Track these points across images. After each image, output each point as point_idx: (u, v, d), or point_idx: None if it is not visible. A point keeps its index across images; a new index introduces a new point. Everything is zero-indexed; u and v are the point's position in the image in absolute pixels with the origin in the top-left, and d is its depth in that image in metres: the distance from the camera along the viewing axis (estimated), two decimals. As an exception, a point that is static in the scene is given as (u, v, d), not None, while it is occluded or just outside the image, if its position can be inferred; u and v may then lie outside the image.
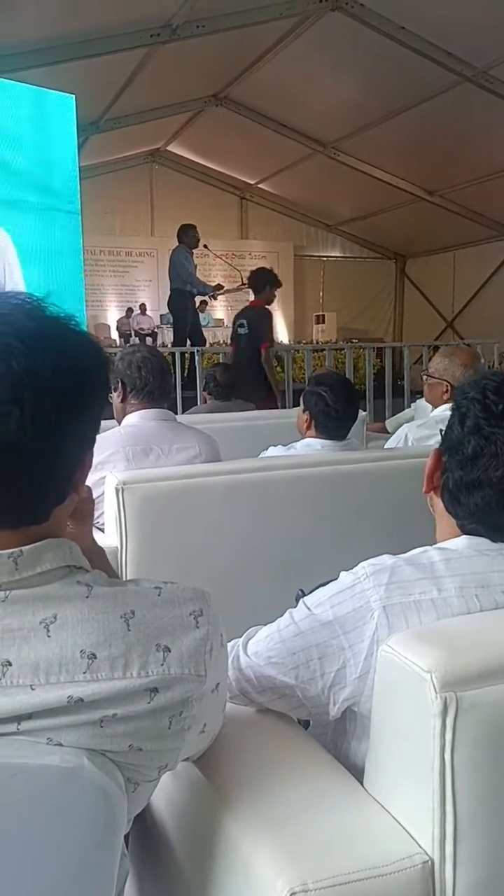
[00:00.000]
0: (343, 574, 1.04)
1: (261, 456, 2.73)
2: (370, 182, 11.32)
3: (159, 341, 11.31)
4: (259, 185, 13.39)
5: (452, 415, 1.06)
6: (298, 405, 2.53)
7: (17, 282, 5.19)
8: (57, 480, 0.79)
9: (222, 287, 8.61)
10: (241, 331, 5.58)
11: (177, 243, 7.67)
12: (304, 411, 2.42)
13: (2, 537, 0.77)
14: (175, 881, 1.01)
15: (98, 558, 1.02)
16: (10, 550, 0.75)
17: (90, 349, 0.82)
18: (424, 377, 3.04)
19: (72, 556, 0.80)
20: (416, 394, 6.64)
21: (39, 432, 0.73)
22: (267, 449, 2.75)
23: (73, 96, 5.65)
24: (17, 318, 0.76)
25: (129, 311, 12.54)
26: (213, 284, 8.38)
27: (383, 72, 8.12)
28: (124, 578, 1.92)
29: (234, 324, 5.83)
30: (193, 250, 7.69)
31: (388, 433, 4.07)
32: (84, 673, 0.74)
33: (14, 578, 0.75)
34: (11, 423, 0.72)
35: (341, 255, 14.91)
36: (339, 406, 2.35)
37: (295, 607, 1.09)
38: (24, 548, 0.76)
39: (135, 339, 11.65)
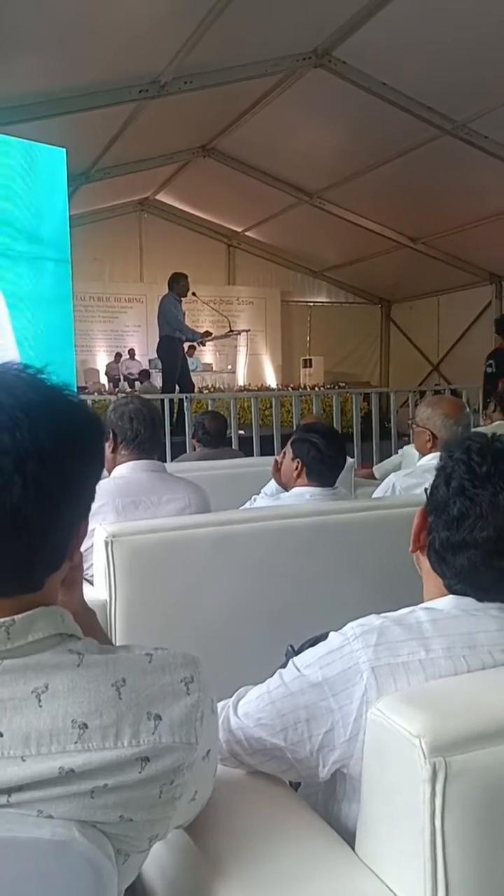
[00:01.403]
0: (332, 634, 1.04)
1: (248, 504, 2.74)
2: (355, 230, 11.54)
3: (150, 381, 11.37)
4: (246, 233, 13.63)
5: (438, 475, 1.08)
6: (282, 451, 2.57)
7: (4, 332, 5.23)
8: (53, 549, 0.80)
9: (210, 333, 8.72)
10: (489, 370, 6.13)
11: (166, 289, 7.78)
12: (293, 459, 2.44)
13: None
14: None
15: (88, 621, 1.02)
16: (3, 620, 0.76)
17: (88, 419, 0.83)
18: (412, 424, 3.08)
19: (63, 624, 0.80)
20: (404, 437, 6.70)
21: (41, 502, 0.75)
22: (253, 499, 2.77)
23: (64, 149, 5.78)
24: (20, 389, 0.78)
25: (118, 355, 12.64)
26: (202, 331, 8.48)
27: (366, 125, 8.35)
28: (114, 630, 1.92)
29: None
30: (182, 298, 7.80)
31: (376, 479, 4.09)
32: (75, 743, 0.74)
33: (6, 648, 0.75)
34: (14, 492, 0.73)
35: (328, 300, 15.12)
36: (331, 452, 2.40)
37: (284, 664, 1.09)
38: (16, 617, 0.76)
39: (124, 384, 11.71)
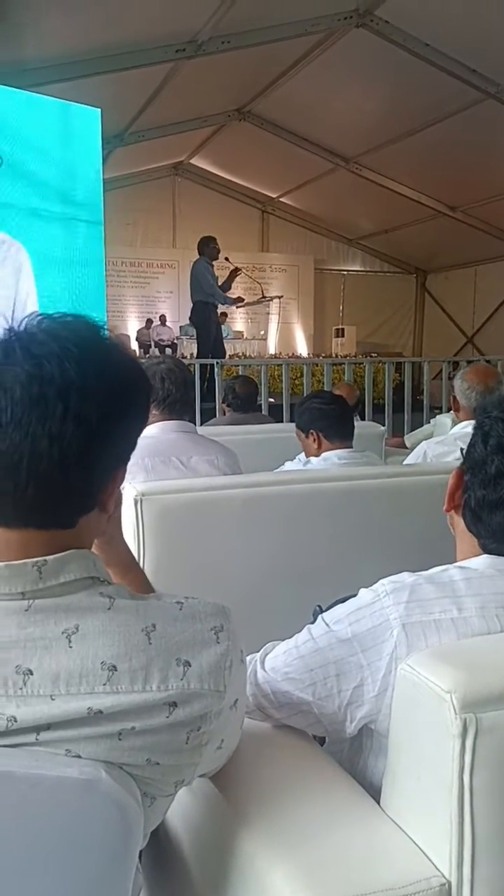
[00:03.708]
0: (362, 591, 1.03)
1: (283, 467, 2.74)
2: (392, 197, 11.34)
3: (178, 353, 11.36)
4: (281, 199, 13.46)
5: (475, 433, 1.06)
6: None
7: (29, 292, 5.23)
8: (88, 486, 0.81)
9: (243, 300, 8.64)
10: None
11: (198, 256, 7.72)
12: (307, 433, 2.46)
13: (27, 539, 0.78)
14: (188, 896, 1.01)
15: (136, 577, 1.05)
16: (35, 559, 0.76)
17: (137, 371, 0.85)
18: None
19: (95, 568, 0.80)
20: (436, 409, 6.62)
21: (79, 432, 0.76)
22: (283, 464, 2.76)
23: (99, 110, 5.71)
24: (76, 327, 0.80)
25: (149, 321, 12.61)
26: (235, 297, 8.41)
27: (406, 88, 8.15)
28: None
29: None
30: (214, 262, 7.73)
31: (407, 448, 4.06)
32: (104, 685, 0.74)
33: (37, 587, 0.76)
34: (55, 420, 0.74)
35: (362, 269, 14.93)
36: (332, 405, 2.47)
37: (312, 623, 1.08)
38: (48, 557, 0.77)
39: (154, 351, 11.71)
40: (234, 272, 8.05)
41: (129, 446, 0.85)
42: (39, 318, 0.81)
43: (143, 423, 0.87)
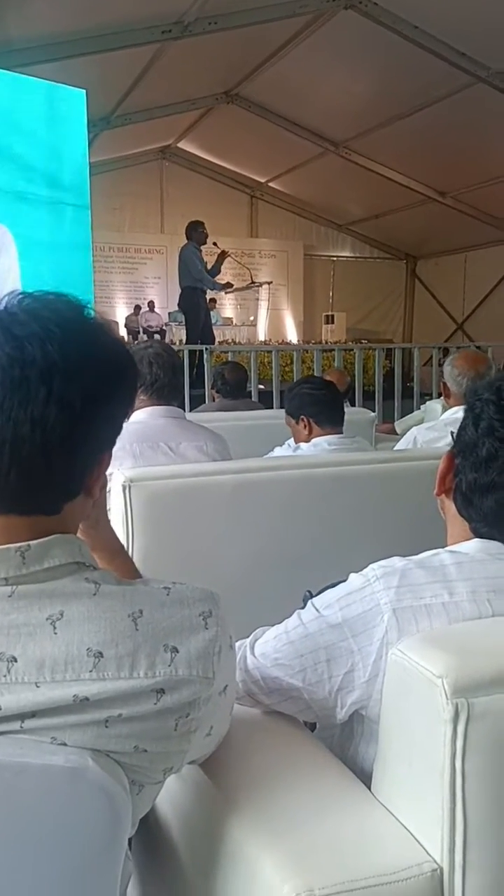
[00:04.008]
0: (353, 576, 1.02)
1: (272, 453, 2.73)
2: (381, 182, 11.29)
3: (167, 339, 11.31)
4: (269, 184, 13.38)
5: (466, 416, 1.05)
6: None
7: (14, 278, 5.17)
8: (72, 471, 0.79)
9: (232, 285, 8.59)
10: None
11: (186, 241, 7.66)
12: (296, 419, 2.45)
13: (10, 525, 0.76)
14: (178, 885, 1.00)
15: (123, 562, 1.04)
16: (18, 544, 0.75)
17: (123, 353, 0.83)
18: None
19: (80, 553, 0.79)
20: (426, 395, 6.62)
21: (62, 417, 0.74)
22: (272, 450, 2.75)
23: (85, 91, 5.64)
24: (61, 307, 0.78)
25: (138, 308, 12.54)
26: (224, 282, 8.36)
27: (396, 71, 8.10)
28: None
29: None
30: (202, 247, 7.68)
31: (398, 434, 4.05)
32: (90, 672, 0.73)
33: (21, 573, 0.74)
34: (37, 404, 0.73)
35: (351, 255, 14.88)
36: (323, 390, 2.46)
37: (302, 608, 1.07)
38: (32, 542, 0.75)
39: (143, 337, 11.65)
40: (223, 255, 7.99)
41: (114, 430, 0.84)
42: (20, 296, 0.79)
43: (130, 407, 0.85)
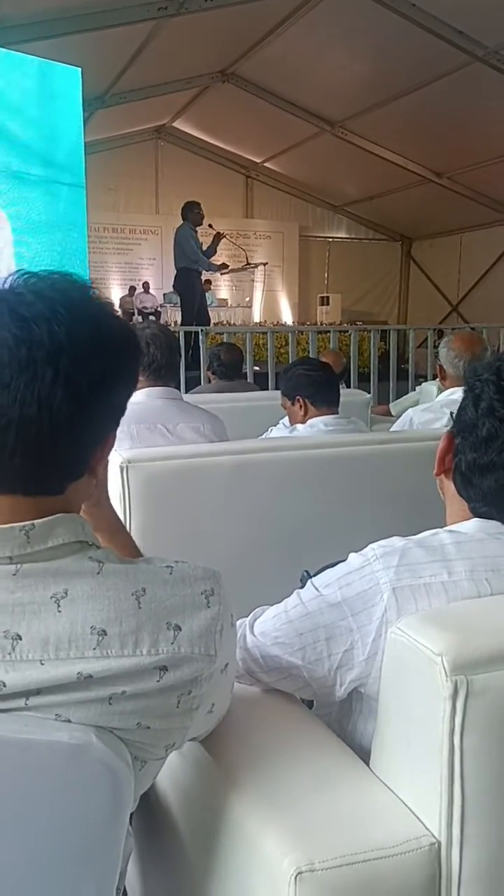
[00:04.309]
0: (352, 555, 1.03)
1: (266, 433, 2.73)
2: (377, 162, 11.22)
3: (162, 320, 11.27)
4: (265, 164, 13.28)
5: (466, 396, 1.05)
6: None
7: (8, 257, 5.14)
8: (77, 452, 0.79)
9: (227, 266, 8.54)
10: None
11: (181, 221, 7.61)
12: (292, 400, 2.45)
13: (14, 504, 0.76)
14: (178, 859, 1.02)
15: (124, 540, 1.04)
16: (23, 524, 0.75)
17: (128, 333, 0.83)
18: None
19: (84, 532, 0.79)
20: (420, 377, 6.62)
21: (69, 398, 0.74)
22: (270, 430, 2.75)
23: (80, 69, 5.58)
24: (64, 287, 0.78)
25: (132, 289, 12.48)
26: (219, 263, 8.31)
27: (393, 50, 8.01)
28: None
29: None
30: (198, 228, 7.63)
31: (393, 416, 4.06)
32: (94, 649, 0.73)
33: (25, 552, 0.75)
34: (44, 385, 0.73)
35: (347, 236, 14.81)
36: (318, 371, 2.47)
37: (300, 588, 1.08)
38: (36, 521, 0.75)
39: (138, 318, 11.60)
40: (218, 236, 7.94)
41: (119, 411, 0.84)
42: (25, 276, 0.78)
43: (134, 387, 0.86)
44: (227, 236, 9.53)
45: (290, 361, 6.49)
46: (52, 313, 0.74)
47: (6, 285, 0.77)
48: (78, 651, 0.73)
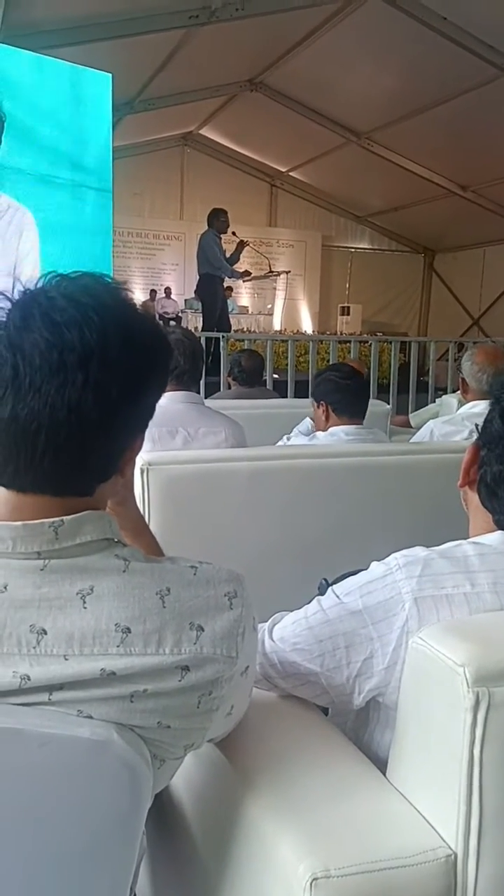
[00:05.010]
0: (374, 564, 1.03)
1: (282, 441, 2.73)
2: (403, 174, 11.22)
3: (182, 325, 11.30)
4: (290, 173, 13.32)
5: (492, 409, 1.05)
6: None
7: (34, 260, 5.18)
8: (106, 455, 0.80)
9: (250, 273, 8.56)
10: None
11: (205, 228, 7.64)
12: (318, 404, 2.44)
13: (43, 504, 0.77)
14: (191, 862, 1.02)
15: (146, 538, 1.05)
16: (52, 520, 0.76)
17: (159, 336, 0.84)
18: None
19: (111, 529, 0.80)
20: (440, 390, 6.58)
21: (99, 402, 0.74)
22: (286, 438, 2.75)
23: (111, 75, 5.63)
24: (100, 292, 0.78)
25: (153, 292, 12.52)
26: (241, 270, 8.34)
27: (422, 63, 8.02)
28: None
29: None
30: (221, 236, 7.66)
31: (412, 428, 4.05)
32: (118, 646, 0.74)
33: (54, 548, 0.75)
34: (74, 389, 0.73)
35: (370, 247, 14.81)
36: (349, 381, 2.42)
37: (319, 595, 1.08)
38: (65, 518, 0.76)
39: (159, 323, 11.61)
40: (242, 244, 7.97)
41: (148, 415, 0.84)
42: (57, 279, 0.79)
43: (162, 392, 0.86)
44: (251, 244, 9.57)
45: (309, 370, 6.52)
46: (84, 318, 0.74)
47: (38, 288, 0.78)
48: (102, 648, 0.73)
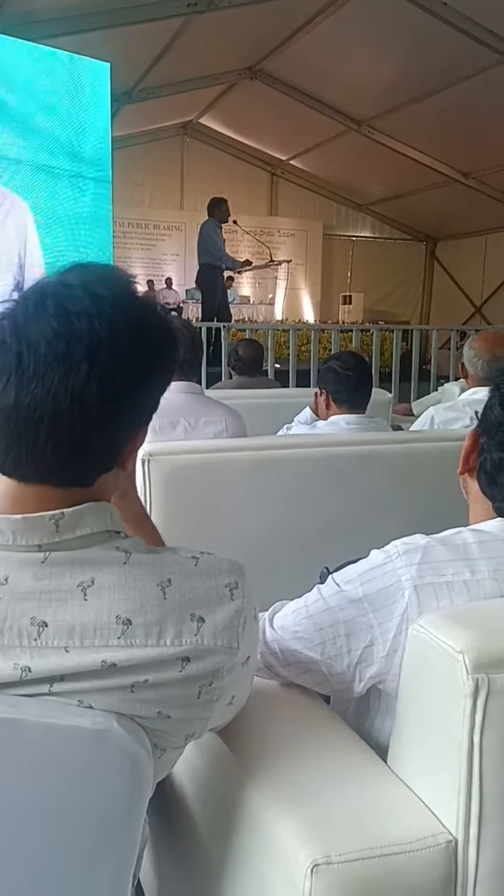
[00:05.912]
0: (374, 552, 1.03)
1: (283, 430, 2.73)
2: (404, 162, 11.16)
3: (183, 316, 11.28)
4: (290, 162, 13.26)
5: (492, 396, 1.04)
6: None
7: (33, 252, 5.17)
8: (108, 446, 0.80)
9: (251, 263, 8.54)
10: None
11: (206, 217, 7.62)
12: (320, 392, 2.44)
13: (44, 494, 0.77)
14: (193, 849, 1.02)
15: (149, 530, 1.05)
16: (52, 512, 0.76)
17: (168, 331, 0.83)
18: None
19: (112, 521, 0.80)
20: (442, 378, 6.57)
21: (102, 393, 0.74)
22: (286, 427, 2.74)
23: (108, 64, 5.60)
24: (114, 283, 0.79)
25: (150, 283, 12.45)
26: (242, 260, 8.32)
27: (422, 49, 7.97)
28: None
29: None
30: (223, 225, 7.63)
31: (414, 416, 4.04)
32: (118, 638, 0.74)
33: (54, 540, 0.76)
34: (79, 378, 0.73)
35: (371, 235, 14.75)
36: (351, 371, 2.41)
37: (319, 584, 1.08)
38: (65, 510, 0.76)
39: (160, 314, 11.57)
40: (247, 263, 8.04)
41: (152, 407, 0.84)
42: (77, 270, 0.79)
43: (167, 385, 0.86)
44: (251, 233, 9.55)
45: (311, 360, 6.51)
46: (97, 310, 0.74)
47: (56, 277, 0.78)
48: (103, 640, 0.74)
